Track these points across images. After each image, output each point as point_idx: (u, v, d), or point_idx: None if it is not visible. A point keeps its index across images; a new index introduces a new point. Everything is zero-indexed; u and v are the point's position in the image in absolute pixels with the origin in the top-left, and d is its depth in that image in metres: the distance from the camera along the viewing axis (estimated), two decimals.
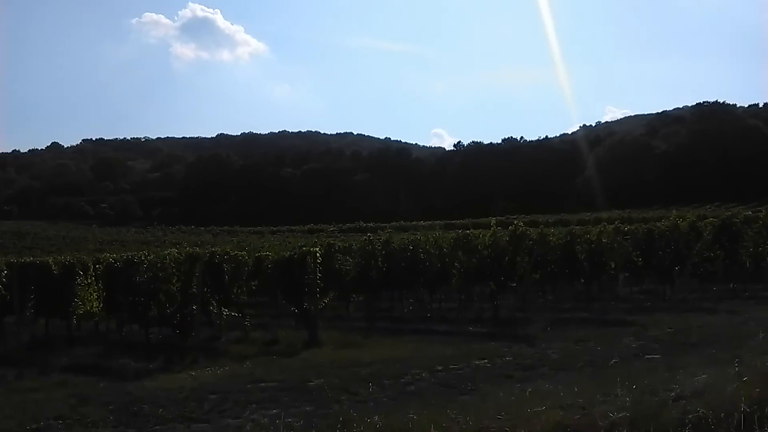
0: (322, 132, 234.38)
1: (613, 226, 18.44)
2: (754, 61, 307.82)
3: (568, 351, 12.07)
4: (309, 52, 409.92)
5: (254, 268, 16.30)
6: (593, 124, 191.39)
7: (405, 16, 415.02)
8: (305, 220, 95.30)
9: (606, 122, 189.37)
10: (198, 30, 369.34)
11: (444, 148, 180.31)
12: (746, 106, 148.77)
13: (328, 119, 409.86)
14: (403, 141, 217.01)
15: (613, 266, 17.31)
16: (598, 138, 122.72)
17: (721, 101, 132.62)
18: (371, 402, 9.18)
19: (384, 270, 18.00)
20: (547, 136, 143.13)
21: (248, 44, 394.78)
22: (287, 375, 11.06)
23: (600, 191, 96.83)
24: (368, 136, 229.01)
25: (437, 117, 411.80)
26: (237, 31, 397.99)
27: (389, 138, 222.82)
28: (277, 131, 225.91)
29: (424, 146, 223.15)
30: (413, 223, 75.10)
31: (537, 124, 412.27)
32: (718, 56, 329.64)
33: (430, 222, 75.23)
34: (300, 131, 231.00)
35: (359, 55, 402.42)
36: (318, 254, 14.22)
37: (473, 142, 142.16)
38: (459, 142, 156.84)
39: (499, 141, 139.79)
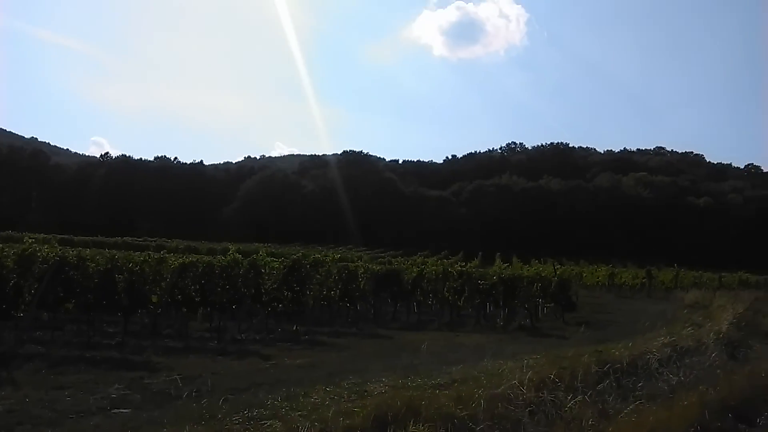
0: None
1: (158, 256, 16.76)
2: (404, 120, 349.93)
3: (27, 403, 9.75)
4: None
5: None
6: (258, 157, 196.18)
7: (86, 13, 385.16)
8: None
9: (270, 157, 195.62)
10: None
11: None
12: (387, 160, 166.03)
13: None
14: (52, 144, 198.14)
15: (154, 300, 15.54)
16: (252, 171, 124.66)
17: (365, 152, 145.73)
18: None
19: None
20: (202, 161, 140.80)
21: None
22: None
23: (246, 223, 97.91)
24: (10, 132, 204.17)
25: (100, 125, 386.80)
26: None
27: (36, 138, 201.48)
28: None
29: (78, 153, 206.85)
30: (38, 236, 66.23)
31: (206, 149, 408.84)
32: (375, 111, 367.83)
33: (51, 236, 67.34)
34: None
35: (22, 40, 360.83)
36: None
37: (123, 155, 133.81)
38: (107, 153, 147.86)
39: (152, 158, 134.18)
